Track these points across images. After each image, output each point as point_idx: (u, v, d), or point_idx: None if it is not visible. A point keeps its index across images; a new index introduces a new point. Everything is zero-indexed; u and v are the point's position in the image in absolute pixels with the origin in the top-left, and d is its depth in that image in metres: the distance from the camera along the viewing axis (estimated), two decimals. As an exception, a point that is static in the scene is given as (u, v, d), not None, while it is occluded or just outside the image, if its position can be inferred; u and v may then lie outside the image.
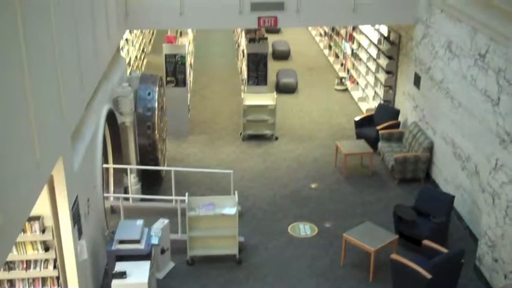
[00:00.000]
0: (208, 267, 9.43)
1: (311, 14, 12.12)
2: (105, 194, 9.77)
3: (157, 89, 11.11)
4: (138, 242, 8.33)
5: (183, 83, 13.87)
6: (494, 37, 8.97)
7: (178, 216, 9.64)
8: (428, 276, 7.94)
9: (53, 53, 6.41)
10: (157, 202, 10.72)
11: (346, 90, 17.52)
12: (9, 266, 7.24)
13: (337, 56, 20.01)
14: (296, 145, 13.90)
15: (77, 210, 7.33)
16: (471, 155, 10.04)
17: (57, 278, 7.33)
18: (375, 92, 15.14)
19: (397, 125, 13.25)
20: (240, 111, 14.02)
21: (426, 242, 8.80)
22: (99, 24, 9.05)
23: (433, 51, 11.57)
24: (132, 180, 10.78)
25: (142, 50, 19.68)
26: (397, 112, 13.48)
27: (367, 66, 15.89)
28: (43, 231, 7.07)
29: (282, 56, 20.69)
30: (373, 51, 15.23)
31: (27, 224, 6.92)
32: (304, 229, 10.53)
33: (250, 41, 14.75)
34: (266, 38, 15.05)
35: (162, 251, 9.13)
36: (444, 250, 8.56)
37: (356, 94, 16.90)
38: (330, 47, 21.07)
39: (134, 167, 10.99)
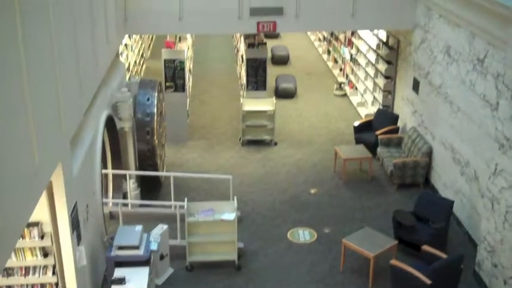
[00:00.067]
0: (207, 273, 9.41)
1: (310, 19, 12.14)
2: (104, 200, 9.76)
3: (156, 94, 11.11)
4: (137, 248, 8.32)
5: (182, 88, 13.87)
6: (493, 42, 8.98)
7: (177, 221, 9.63)
8: (428, 281, 7.92)
9: (52, 57, 6.41)
10: (157, 208, 10.69)
11: (345, 95, 17.53)
12: (8, 272, 7.22)
13: (336, 61, 20.03)
14: (295, 150, 13.90)
15: (76, 216, 7.31)
16: (470, 160, 10.04)
17: (56, 284, 7.31)
18: (374, 97, 15.14)
19: (396, 130, 13.25)
20: (239, 117, 14.03)
21: (425, 248, 8.79)
22: (98, 29, 9.05)
23: (431, 56, 11.58)
24: (131, 186, 10.77)
25: (142, 55, 19.69)
26: (396, 117, 13.49)
27: (366, 71, 15.89)
28: (42, 237, 7.06)
29: (281, 61, 20.70)
30: (372, 56, 15.24)
31: (26, 230, 6.91)
32: (304, 235, 10.51)
33: (249, 46, 14.76)
34: (265, 43, 15.09)
35: (161, 257, 9.11)
36: (443, 255, 8.55)
37: (355, 99, 16.91)
38: (328, 52, 21.10)
39: (133, 172, 10.98)
